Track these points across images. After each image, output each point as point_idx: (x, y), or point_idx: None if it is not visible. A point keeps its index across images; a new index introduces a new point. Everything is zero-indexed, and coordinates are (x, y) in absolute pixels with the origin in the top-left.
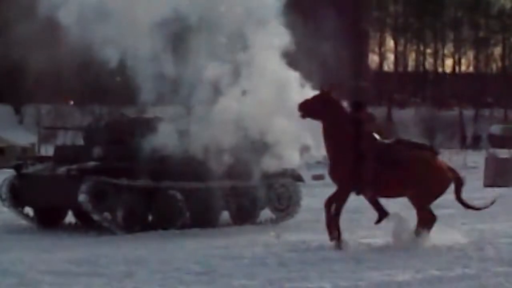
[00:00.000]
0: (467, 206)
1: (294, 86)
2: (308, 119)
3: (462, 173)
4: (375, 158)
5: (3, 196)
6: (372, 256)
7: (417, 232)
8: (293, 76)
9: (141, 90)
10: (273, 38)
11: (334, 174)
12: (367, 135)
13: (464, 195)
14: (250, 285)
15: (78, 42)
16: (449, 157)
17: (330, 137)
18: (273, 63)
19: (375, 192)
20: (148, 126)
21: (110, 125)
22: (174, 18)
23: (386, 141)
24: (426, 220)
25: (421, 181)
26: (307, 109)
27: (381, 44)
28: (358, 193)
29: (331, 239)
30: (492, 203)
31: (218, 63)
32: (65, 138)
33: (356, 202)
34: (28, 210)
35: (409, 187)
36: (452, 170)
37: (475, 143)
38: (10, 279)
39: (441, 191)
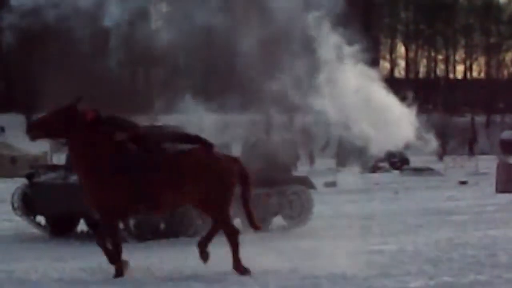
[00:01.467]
0: (248, 213)
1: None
2: None
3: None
4: (137, 170)
5: (16, 204)
6: (384, 262)
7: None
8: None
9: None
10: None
11: (93, 201)
12: (118, 145)
13: (477, 202)
14: None
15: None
16: (461, 164)
17: (81, 159)
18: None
19: (151, 208)
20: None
21: None
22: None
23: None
24: (229, 236)
25: (199, 184)
26: (46, 128)
27: (392, 50)
28: (124, 215)
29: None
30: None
31: None
32: None
33: (367, 209)
34: (40, 219)
35: (189, 195)
36: (235, 161)
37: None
38: None
39: (229, 190)
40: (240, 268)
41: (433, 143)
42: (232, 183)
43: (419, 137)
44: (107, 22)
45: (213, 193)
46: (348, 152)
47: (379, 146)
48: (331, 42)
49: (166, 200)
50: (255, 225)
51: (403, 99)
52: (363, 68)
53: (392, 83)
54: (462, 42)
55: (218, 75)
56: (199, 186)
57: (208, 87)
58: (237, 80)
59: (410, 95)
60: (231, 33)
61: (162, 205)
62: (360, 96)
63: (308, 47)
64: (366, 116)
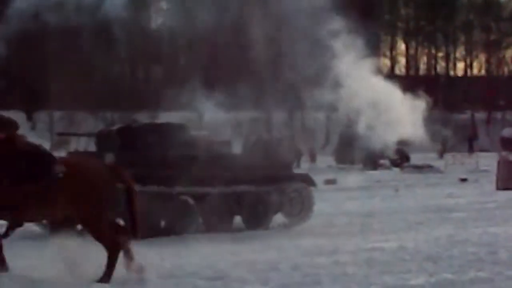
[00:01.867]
0: (132, 222)
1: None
2: None
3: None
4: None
5: None
6: (385, 259)
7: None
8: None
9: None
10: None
11: None
12: None
13: (477, 199)
14: None
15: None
16: (461, 161)
17: None
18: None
19: (15, 217)
20: (160, 131)
21: (122, 131)
22: None
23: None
24: (108, 249)
25: (68, 196)
26: None
27: (393, 47)
28: (13, 225)
29: None
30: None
31: None
32: (77, 144)
33: (367, 206)
34: None
35: (58, 207)
36: (118, 175)
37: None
38: (24, 286)
39: (102, 203)
40: (106, 280)
41: (445, 132)
42: (103, 195)
43: (430, 130)
44: (109, 14)
45: (85, 206)
46: (349, 149)
47: (386, 143)
48: (333, 32)
49: (31, 210)
50: (136, 233)
51: (414, 96)
52: (366, 64)
53: (393, 80)
54: (462, 39)
55: (220, 72)
56: (68, 198)
57: (211, 84)
58: (239, 77)
59: (421, 92)
60: (232, 29)
61: (27, 216)
62: (368, 92)
63: (312, 41)
64: (373, 112)
